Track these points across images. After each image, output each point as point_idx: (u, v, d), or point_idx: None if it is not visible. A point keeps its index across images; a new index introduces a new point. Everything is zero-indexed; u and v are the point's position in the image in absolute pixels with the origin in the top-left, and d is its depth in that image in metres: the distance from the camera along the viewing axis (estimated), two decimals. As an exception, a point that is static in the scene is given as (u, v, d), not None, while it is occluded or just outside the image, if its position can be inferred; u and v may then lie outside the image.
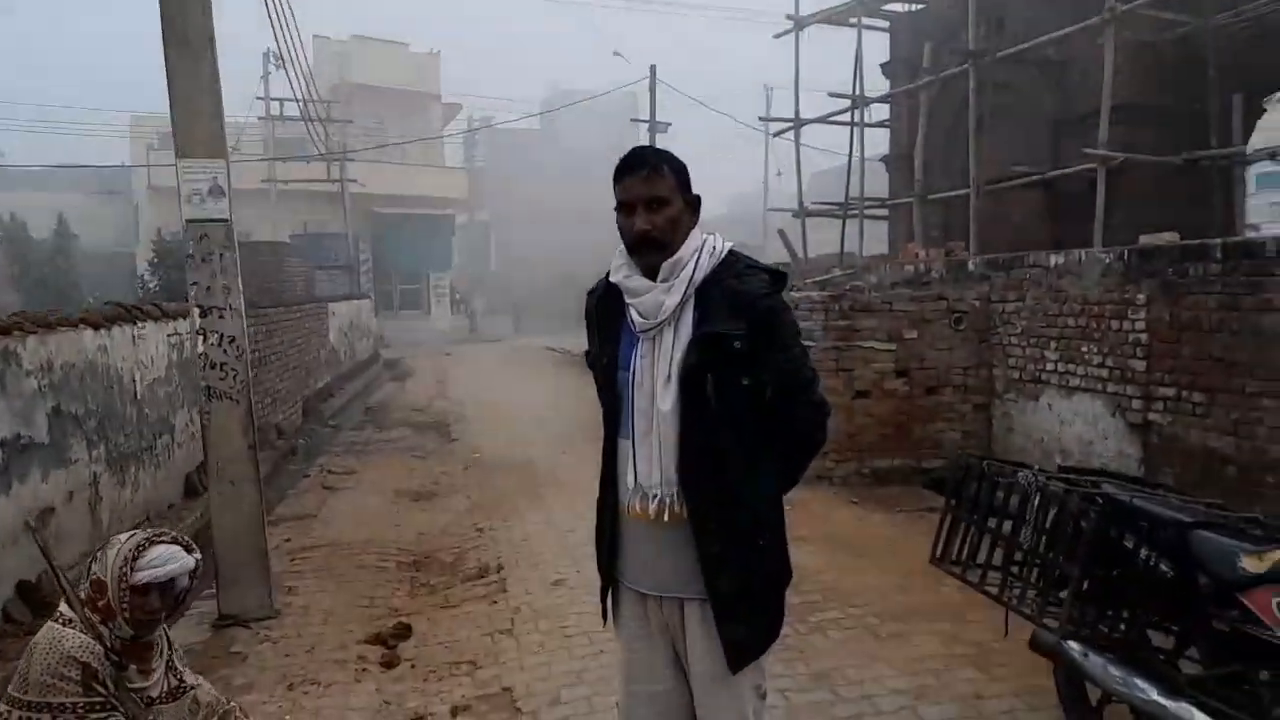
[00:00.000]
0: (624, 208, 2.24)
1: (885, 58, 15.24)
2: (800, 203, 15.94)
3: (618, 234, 2.30)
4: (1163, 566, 2.97)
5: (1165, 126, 10.51)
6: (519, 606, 5.18)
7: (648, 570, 2.28)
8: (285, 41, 15.77)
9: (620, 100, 31.57)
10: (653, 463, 2.19)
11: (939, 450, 7.99)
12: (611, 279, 2.30)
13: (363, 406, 15.11)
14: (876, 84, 15.46)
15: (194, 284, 4.96)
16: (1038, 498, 3.10)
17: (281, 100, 24.74)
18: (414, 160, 32.50)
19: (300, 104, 20.72)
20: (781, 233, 15.47)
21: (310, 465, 9.99)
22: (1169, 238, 6.47)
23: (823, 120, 16.04)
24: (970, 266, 8.54)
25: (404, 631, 4.90)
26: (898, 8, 15.10)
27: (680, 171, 2.28)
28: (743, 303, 2.18)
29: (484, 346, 28.88)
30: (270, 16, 13.62)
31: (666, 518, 2.19)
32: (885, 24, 15.22)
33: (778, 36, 16.10)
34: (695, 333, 2.17)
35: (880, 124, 15.74)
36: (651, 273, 2.22)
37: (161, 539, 2.53)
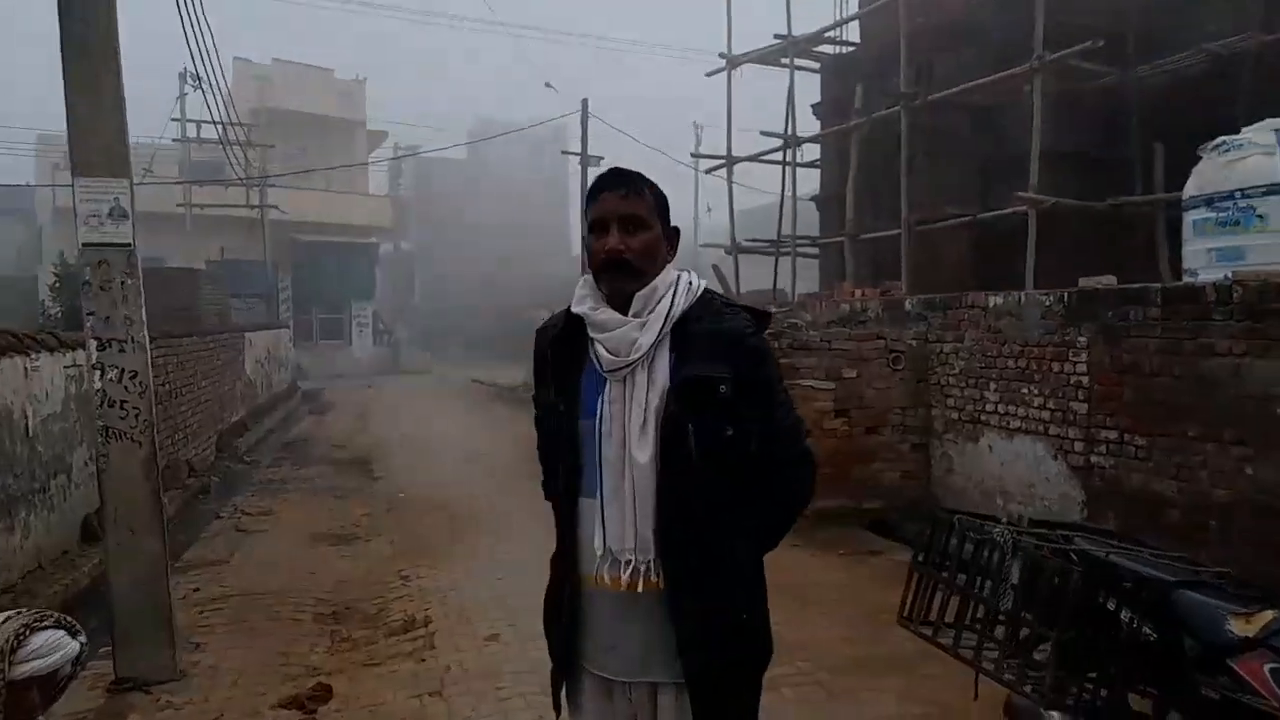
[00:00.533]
0: (597, 227, 1.99)
1: (816, 98, 15.38)
2: (733, 239, 15.91)
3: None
4: (1145, 629, 2.82)
5: (1091, 172, 10.75)
6: (449, 665, 4.81)
7: (616, 652, 1.99)
8: (202, 61, 15.23)
9: (550, 131, 31.49)
10: (625, 524, 1.92)
11: (878, 491, 7.88)
12: (574, 309, 2.02)
13: (280, 442, 14.49)
14: (807, 125, 15.59)
15: (90, 314, 4.53)
16: (1014, 556, 2.91)
17: (199, 122, 23.93)
18: (337, 187, 31.80)
19: (218, 126, 20.04)
20: (716, 268, 15.39)
21: (224, 505, 9.44)
22: (1108, 281, 6.50)
23: (755, 159, 16.09)
24: (907, 306, 8.51)
25: (324, 693, 4.50)
26: (828, 49, 15.27)
27: (661, 198, 2.05)
28: (726, 344, 1.95)
29: (408, 378, 28.23)
30: (185, 34, 13.07)
31: (641, 587, 1.92)
32: (816, 65, 15.37)
33: (710, 75, 16.16)
34: (676, 377, 1.92)
35: (811, 164, 15.84)
36: (621, 305, 1.97)
37: (43, 624, 2.16)
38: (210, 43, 19.19)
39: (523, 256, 37.53)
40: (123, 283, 4.61)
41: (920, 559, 3.21)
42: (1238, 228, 6.11)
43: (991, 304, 7.38)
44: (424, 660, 4.91)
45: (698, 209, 34.80)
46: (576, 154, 18.70)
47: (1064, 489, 6.66)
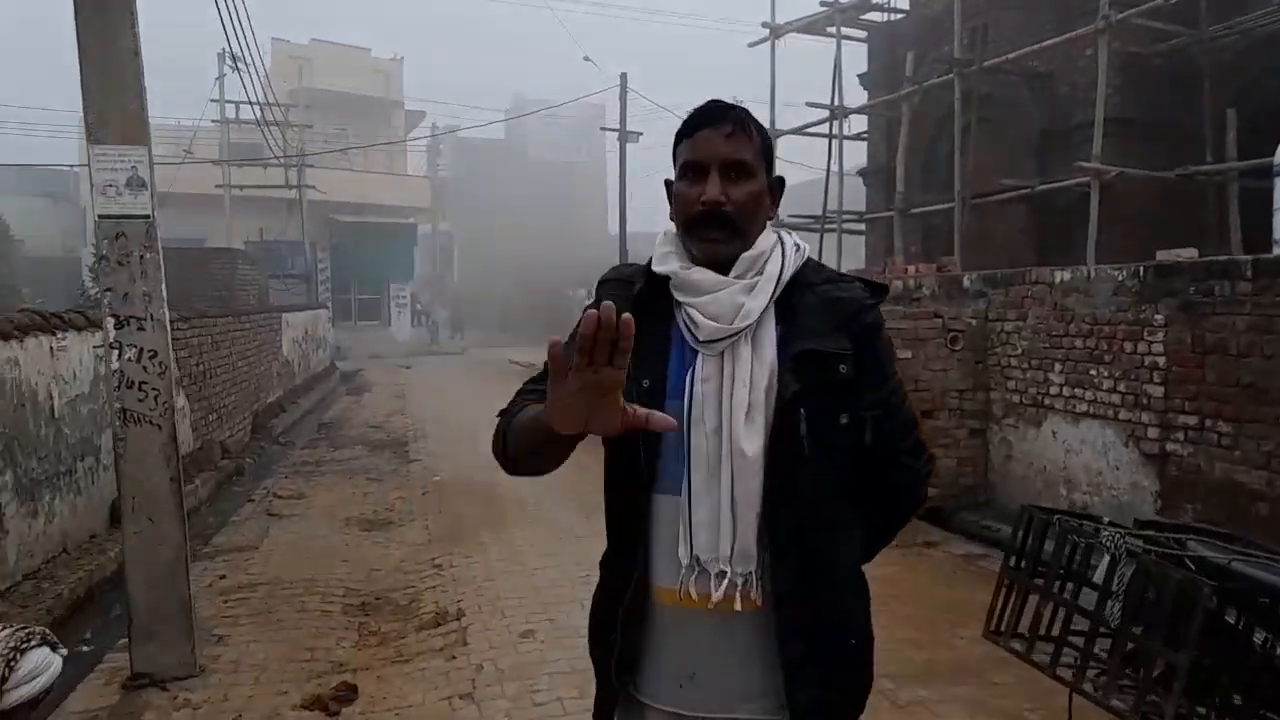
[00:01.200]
0: (691, 171, 1.63)
1: (863, 69, 14.84)
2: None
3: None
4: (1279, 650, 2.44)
5: (1156, 141, 10.18)
6: (481, 664, 4.53)
7: (696, 683, 1.62)
8: (240, 42, 15.05)
9: (588, 109, 31.10)
10: (721, 529, 1.55)
11: (934, 479, 7.46)
12: (656, 268, 1.66)
13: (316, 423, 14.34)
14: (854, 96, 15.06)
15: (108, 290, 4.28)
16: (1125, 563, 2.54)
17: (237, 103, 23.84)
18: (375, 168, 31.72)
19: (255, 107, 19.91)
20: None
21: (256, 487, 9.26)
22: (1188, 254, 6.02)
23: (799, 131, 15.59)
24: (965, 283, 8.05)
25: (349, 693, 4.24)
26: (876, 17, 14.72)
27: (768, 141, 1.70)
28: (845, 314, 1.61)
29: (446, 359, 28.10)
30: (221, 14, 12.88)
31: (739, 606, 1.57)
32: (863, 34, 14.82)
33: (753, 45, 15.65)
34: (786, 352, 1.58)
35: (858, 136, 15.31)
36: (715, 268, 1.62)
37: (30, 643, 1.98)
38: (247, 22, 18.98)
39: (561, 236, 37.27)
40: (141, 257, 4.35)
41: (1013, 564, 2.84)
42: (1339, 194, 5.62)
43: (1058, 280, 6.93)
44: (455, 658, 4.64)
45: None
46: (615, 130, 18.32)
47: (1135, 478, 6.23)
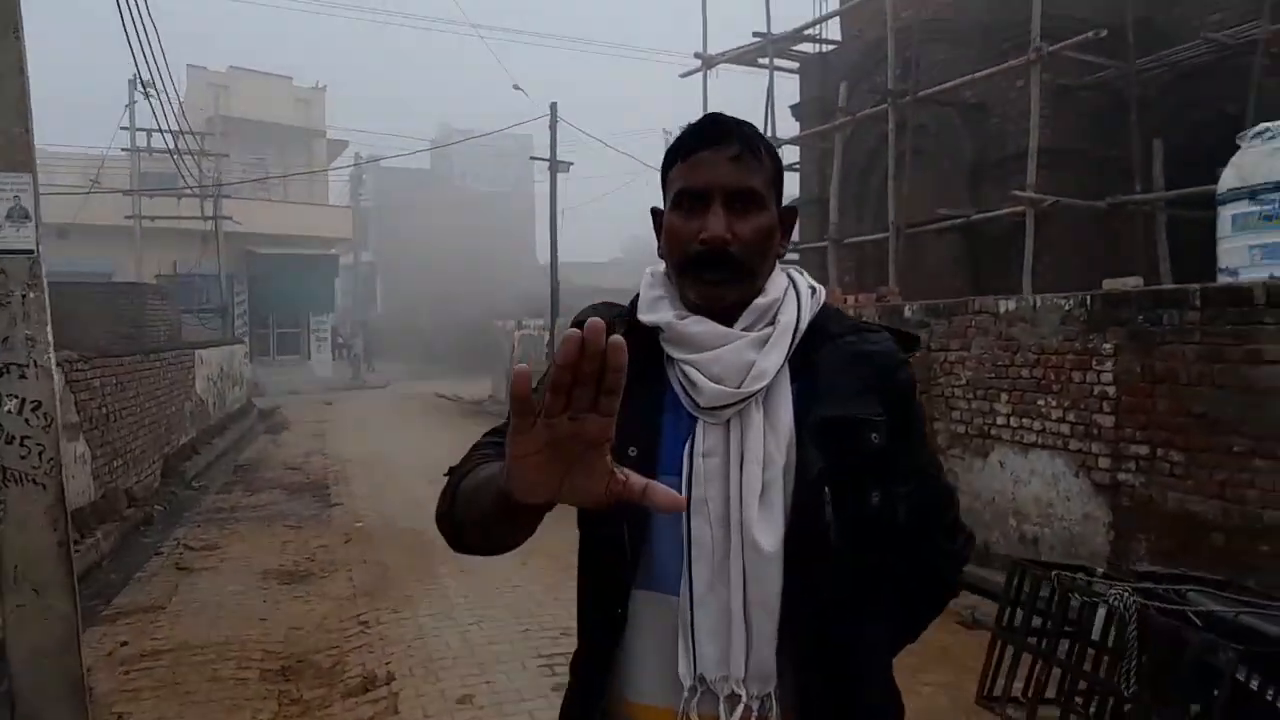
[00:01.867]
0: (687, 200, 1.34)
1: (795, 99, 14.87)
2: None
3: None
4: (1302, 716, 2.22)
5: (1086, 171, 10.31)
6: (415, 737, 4.13)
7: None
8: (151, 68, 14.37)
9: (516, 139, 30.81)
10: (733, 641, 1.25)
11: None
12: (644, 317, 1.37)
13: (232, 464, 13.63)
14: (786, 128, 15.07)
15: (-15, 333, 3.81)
16: (1133, 622, 2.30)
17: (149, 131, 22.90)
18: (296, 198, 30.86)
19: (167, 135, 19.13)
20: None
21: (166, 538, 8.64)
22: (1134, 282, 5.96)
23: (730, 161, 15.50)
24: (906, 313, 7.94)
25: (264, 778, 3.81)
26: (808, 48, 14.77)
27: (779, 165, 1.42)
28: (875, 372, 1.34)
29: (369, 394, 27.33)
30: (130, 39, 12.24)
31: None
32: (795, 65, 14.86)
33: (685, 76, 15.59)
34: (807, 419, 1.29)
35: (790, 167, 15.30)
36: (716, 315, 1.34)
37: None
38: (158, 47, 18.20)
39: (489, 267, 36.79)
40: (24, 296, 3.89)
41: (1005, 624, 2.58)
42: (1286, 222, 5.62)
43: (1003, 309, 6.83)
44: (386, 731, 4.23)
45: (666, 217, 34.12)
46: (545, 159, 18.07)
47: (1087, 509, 6.11)
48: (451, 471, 1.36)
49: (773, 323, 1.33)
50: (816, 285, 1.43)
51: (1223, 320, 5.16)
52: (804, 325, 1.33)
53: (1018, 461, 6.69)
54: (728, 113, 1.42)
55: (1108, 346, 5.89)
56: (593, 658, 1.37)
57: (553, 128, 17.40)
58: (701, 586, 1.25)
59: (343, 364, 32.82)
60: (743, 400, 1.27)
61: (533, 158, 20.11)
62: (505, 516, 1.06)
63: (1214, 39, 8.76)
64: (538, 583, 6.44)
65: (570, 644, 1.45)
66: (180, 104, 18.85)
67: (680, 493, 1.26)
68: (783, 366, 1.30)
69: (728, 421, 1.28)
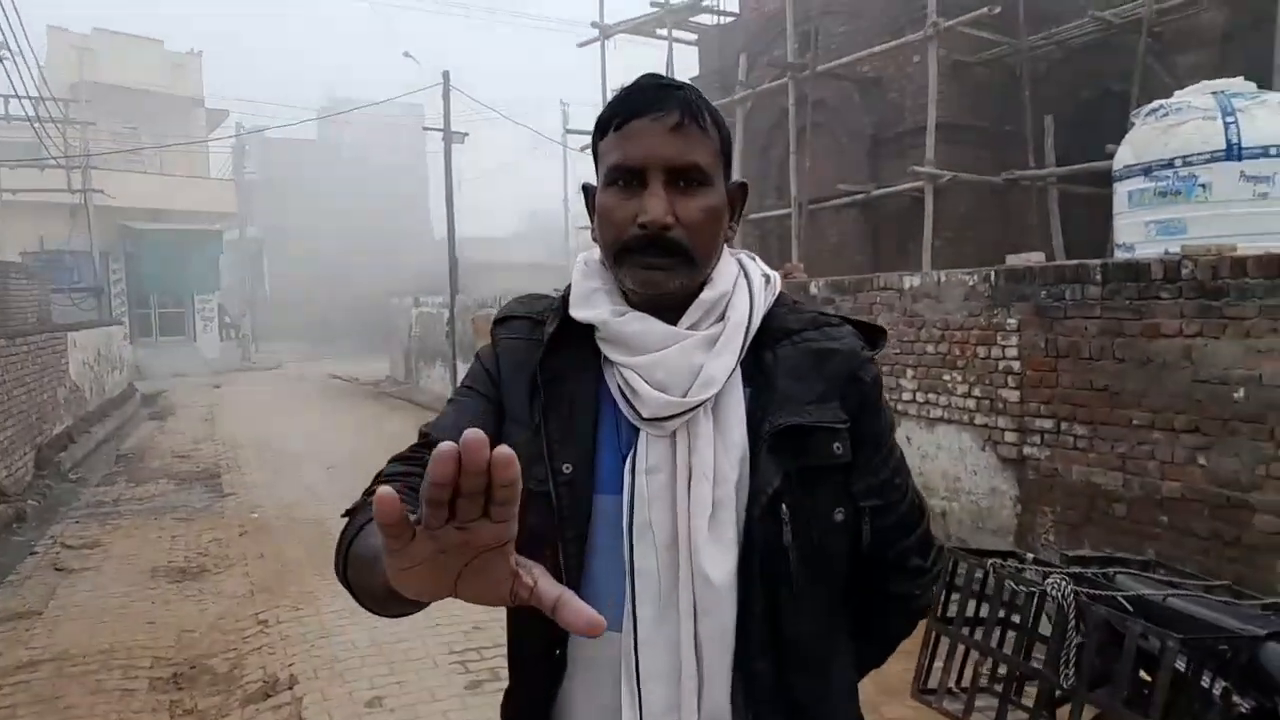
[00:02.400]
0: (621, 177, 1.17)
1: (695, 72, 14.77)
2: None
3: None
4: (1236, 699, 2.24)
5: (981, 147, 10.54)
6: (323, 747, 3.92)
7: None
8: (6, 27, 13.33)
9: (408, 108, 29.89)
10: (683, 682, 1.11)
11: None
12: (577, 314, 1.21)
13: (113, 454, 12.91)
14: (684, 99, 14.97)
15: None
16: (1073, 614, 2.28)
17: (6, 97, 21.31)
18: (175, 170, 29.29)
19: (24, 100, 17.83)
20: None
21: (41, 536, 8.08)
22: (1037, 258, 6.07)
23: (630, 135, 15.36)
24: (813, 290, 7.95)
25: (159, 801, 3.54)
26: (707, 20, 14.68)
27: (726, 134, 1.25)
28: (838, 373, 1.20)
29: (259, 375, 26.32)
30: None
31: None
32: (694, 37, 14.76)
33: (582, 45, 15.32)
34: (762, 427, 1.15)
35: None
36: (657, 310, 1.18)
37: None
38: (12, 8, 16.83)
39: (382, 241, 35.77)
40: None
41: (939, 615, 2.54)
42: (1179, 198, 5.77)
43: (908, 285, 6.90)
44: (291, 741, 4.00)
45: (568, 189, 33.80)
46: (438, 130, 17.53)
47: (994, 482, 6.24)
48: (349, 514, 1.14)
49: (722, 318, 1.18)
50: (770, 273, 1.30)
51: (1122, 295, 5.29)
52: (757, 321, 1.19)
53: (924, 436, 6.78)
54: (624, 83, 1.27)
55: (1012, 322, 5.99)
56: (528, 703, 1.22)
57: (446, 97, 16.88)
58: (647, 622, 1.11)
59: (231, 345, 31.49)
60: (690, 410, 1.12)
61: (426, 128, 19.50)
62: (399, 601, 0.89)
63: (1100, 17, 9.00)
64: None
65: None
66: (40, 68, 17.59)
67: (622, 518, 1.12)
68: (734, 369, 1.16)
69: (674, 433, 1.13)
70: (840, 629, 1.23)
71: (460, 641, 4.95)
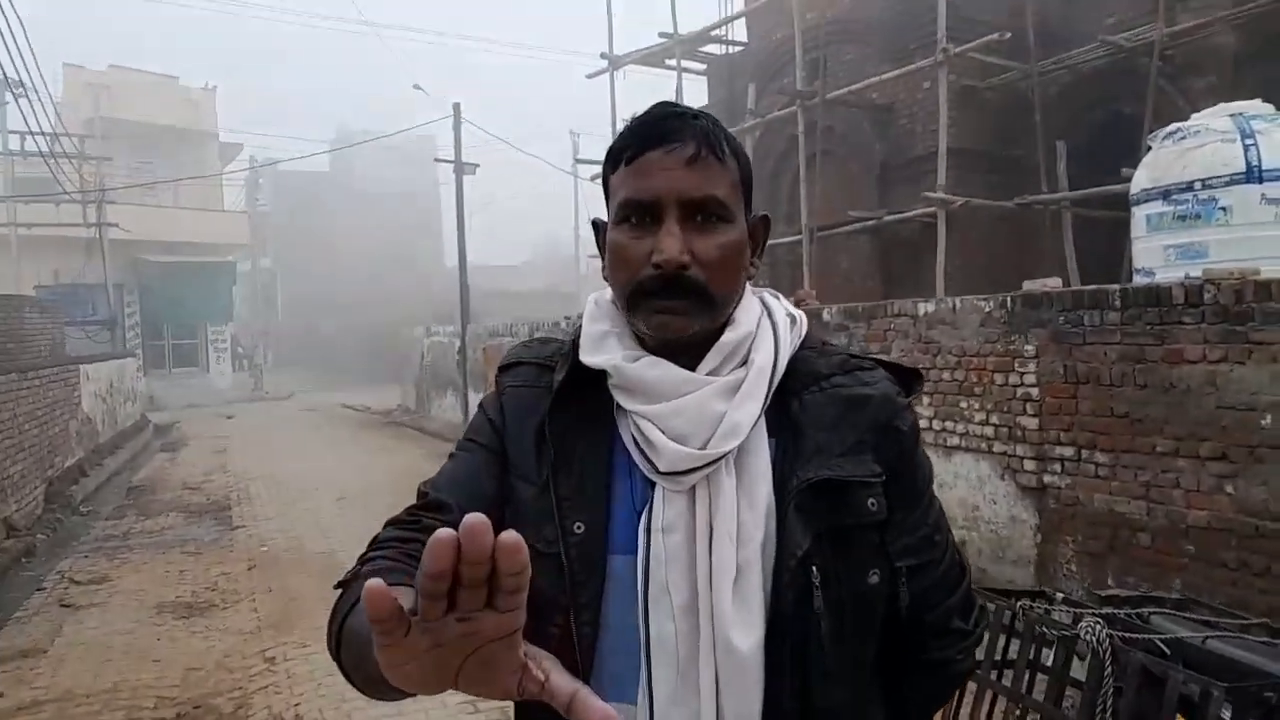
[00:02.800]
0: (634, 213, 1.09)
1: (704, 101, 14.79)
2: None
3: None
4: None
5: (992, 172, 10.48)
6: (329, 793, 3.81)
7: None
8: (20, 66, 13.46)
9: (418, 140, 30.09)
10: None
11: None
12: (588, 359, 1.12)
13: (125, 486, 12.86)
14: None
15: None
16: (1111, 660, 2.17)
17: (21, 134, 21.54)
18: (189, 203, 29.51)
19: (39, 138, 17.99)
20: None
21: (49, 571, 8.02)
22: (1054, 283, 5.98)
23: (640, 164, 15.37)
24: (825, 316, 7.87)
25: None
26: (715, 50, 14.72)
27: (746, 166, 1.17)
28: (872, 422, 1.11)
29: (271, 405, 26.33)
30: None
31: None
32: (703, 66, 14.79)
33: (591, 76, 15.38)
34: (790, 482, 1.06)
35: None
36: (673, 355, 1.10)
37: None
38: (26, 43, 17.01)
39: (394, 272, 35.92)
40: None
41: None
42: (1199, 221, 5.68)
43: (922, 312, 6.81)
44: (297, 787, 3.89)
45: (578, 219, 33.93)
46: (449, 161, 17.60)
47: (1013, 511, 6.12)
48: (342, 586, 1.06)
49: (745, 363, 1.10)
50: (796, 313, 1.22)
51: (1143, 320, 5.19)
52: (783, 365, 1.11)
53: (942, 465, 6.66)
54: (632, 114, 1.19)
55: (1029, 348, 5.89)
56: None
57: (457, 128, 16.97)
58: (664, 696, 1.02)
59: (243, 375, 31.58)
60: (711, 463, 1.04)
61: (437, 159, 19.59)
62: (394, 689, 0.79)
63: (1110, 41, 8.96)
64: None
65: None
66: (56, 105, 17.78)
67: (638, 580, 1.04)
68: (759, 419, 1.08)
69: (693, 488, 1.05)
70: (875, 699, 1.14)
71: (470, 679, 4.85)
